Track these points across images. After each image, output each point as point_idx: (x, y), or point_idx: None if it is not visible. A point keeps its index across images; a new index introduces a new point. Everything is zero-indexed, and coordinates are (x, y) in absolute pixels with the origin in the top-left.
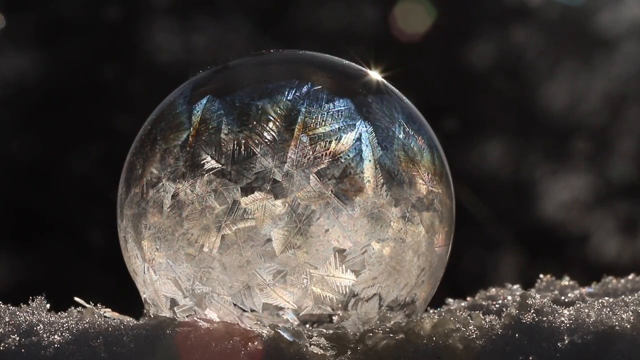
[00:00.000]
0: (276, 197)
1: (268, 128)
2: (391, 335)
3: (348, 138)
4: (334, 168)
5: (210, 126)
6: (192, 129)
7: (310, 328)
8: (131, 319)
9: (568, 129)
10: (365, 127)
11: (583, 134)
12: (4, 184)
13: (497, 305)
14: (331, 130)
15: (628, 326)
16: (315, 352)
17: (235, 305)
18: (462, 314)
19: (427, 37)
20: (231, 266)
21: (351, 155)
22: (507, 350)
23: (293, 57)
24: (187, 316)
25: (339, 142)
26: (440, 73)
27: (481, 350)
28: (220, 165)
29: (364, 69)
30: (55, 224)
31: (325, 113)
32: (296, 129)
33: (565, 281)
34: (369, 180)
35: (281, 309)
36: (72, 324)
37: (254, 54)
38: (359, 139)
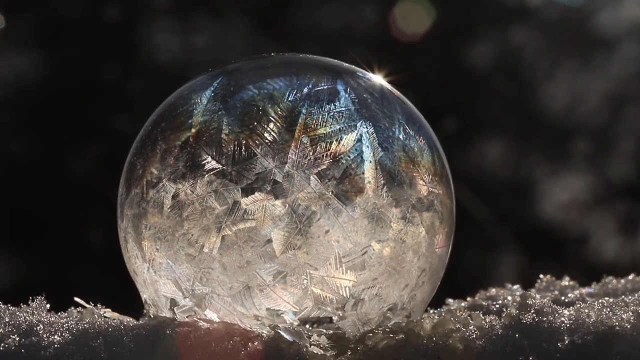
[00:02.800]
0: (276, 198)
1: (269, 129)
2: (391, 335)
3: (349, 139)
4: (334, 169)
5: (210, 127)
6: (192, 129)
7: (310, 328)
8: (131, 319)
9: (568, 129)
10: (366, 128)
11: (583, 134)
12: (3, 184)
13: (497, 306)
14: (332, 131)
15: (628, 326)
16: (315, 352)
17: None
18: (462, 314)
19: (427, 37)
20: (231, 267)
21: (352, 156)
22: (507, 351)
23: (294, 60)
24: (187, 316)
25: (339, 143)
26: (440, 73)
27: (481, 350)
28: (220, 166)
29: (364, 70)
30: (56, 224)
31: (326, 114)
32: (297, 130)
33: (565, 281)
34: (369, 181)
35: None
36: (72, 324)
37: (255, 56)
38: (359, 140)
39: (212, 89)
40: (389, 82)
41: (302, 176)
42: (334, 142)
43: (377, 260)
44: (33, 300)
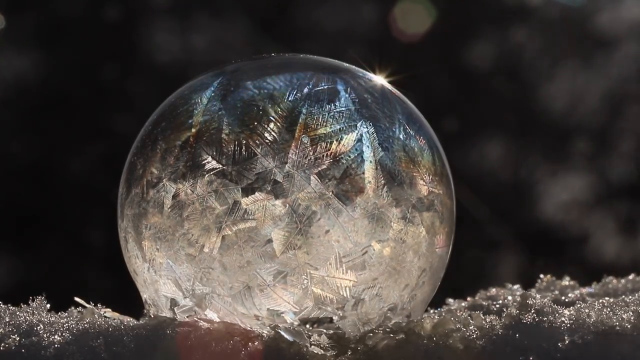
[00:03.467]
0: (277, 198)
1: (269, 129)
2: (391, 335)
3: (349, 139)
4: (334, 169)
5: (211, 127)
6: (192, 129)
7: (311, 328)
8: (131, 319)
9: (568, 129)
10: (366, 128)
11: (583, 134)
12: (4, 184)
13: (497, 306)
14: (332, 131)
15: (628, 326)
16: (315, 352)
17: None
18: (462, 314)
19: (427, 37)
20: (231, 267)
21: (352, 156)
22: (507, 351)
23: (294, 60)
24: (187, 316)
25: (339, 143)
26: (440, 73)
27: (481, 350)
28: (221, 166)
29: (364, 70)
30: (55, 224)
31: (326, 114)
32: (297, 130)
33: (566, 281)
34: (369, 181)
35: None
36: (72, 324)
37: (255, 56)
38: (360, 140)
39: (212, 89)
40: (389, 82)
41: (302, 176)
42: (334, 142)
43: (377, 260)
44: (33, 300)
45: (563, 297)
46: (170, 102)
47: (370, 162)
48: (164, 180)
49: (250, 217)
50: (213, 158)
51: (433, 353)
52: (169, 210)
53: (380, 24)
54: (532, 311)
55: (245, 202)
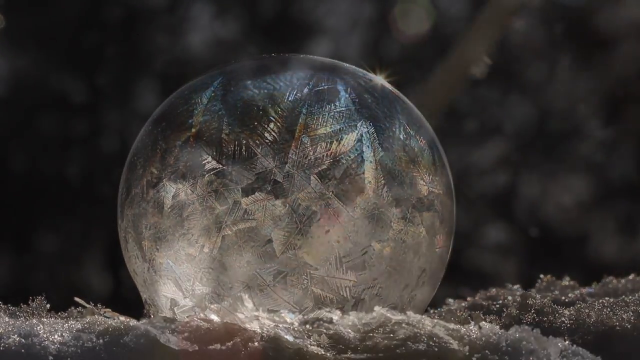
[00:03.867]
0: (277, 198)
1: (269, 129)
2: (391, 335)
3: (349, 139)
4: (334, 169)
5: (211, 126)
6: (192, 129)
7: (310, 328)
8: (131, 319)
9: (568, 130)
10: (366, 128)
11: (583, 134)
12: (3, 184)
13: (497, 306)
14: (332, 131)
15: (628, 326)
16: (315, 352)
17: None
18: (462, 314)
19: (428, 37)
20: (231, 267)
21: (352, 156)
22: (507, 351)
23: (294, 60)
24: (187, 316)
25: (340, 143)
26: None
27: (481, 350)
28: (221, 166)
29: (364, 70)
30: (56, 225)
31: (327, 114)
32: (297, 130)
33: (566, 281)
34: (369, 181)
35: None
36: (72, 324)
37: (255, 56)
38: (360, 140)
39: (212, 89)
40: (389, 82)
41: (302, 176)
42: (334, 142)
43: (377, 260)
44: (33, 300)
45: (563, 297)
46: (170, 102)
47: (370, 162)
48: (164, 180)
49: (250, 217)
50: (213, 158)
51: (433, 353)
52: (169, 210)
53: (380, 24)
54: (532, 311)
55: (245, 202)
